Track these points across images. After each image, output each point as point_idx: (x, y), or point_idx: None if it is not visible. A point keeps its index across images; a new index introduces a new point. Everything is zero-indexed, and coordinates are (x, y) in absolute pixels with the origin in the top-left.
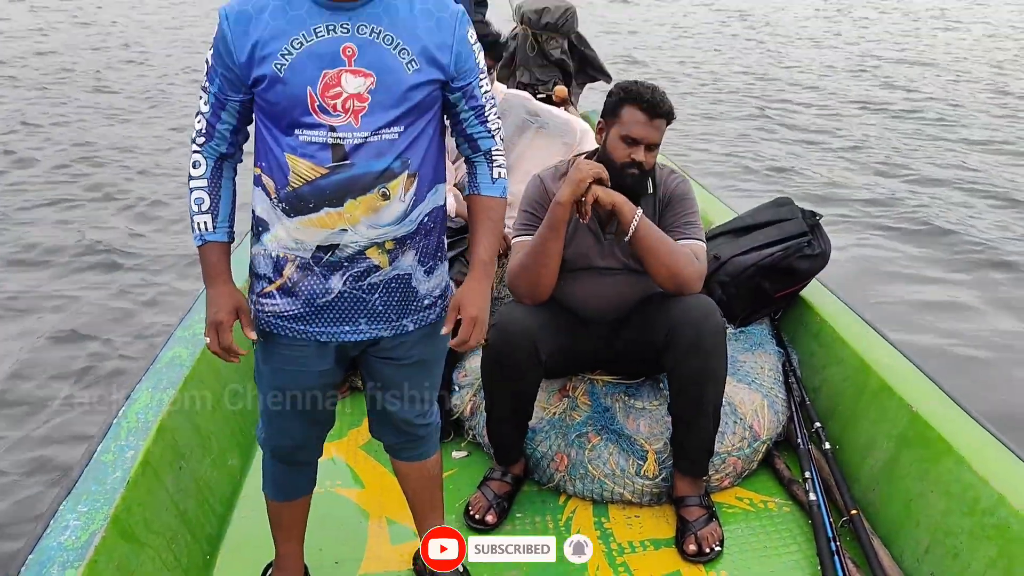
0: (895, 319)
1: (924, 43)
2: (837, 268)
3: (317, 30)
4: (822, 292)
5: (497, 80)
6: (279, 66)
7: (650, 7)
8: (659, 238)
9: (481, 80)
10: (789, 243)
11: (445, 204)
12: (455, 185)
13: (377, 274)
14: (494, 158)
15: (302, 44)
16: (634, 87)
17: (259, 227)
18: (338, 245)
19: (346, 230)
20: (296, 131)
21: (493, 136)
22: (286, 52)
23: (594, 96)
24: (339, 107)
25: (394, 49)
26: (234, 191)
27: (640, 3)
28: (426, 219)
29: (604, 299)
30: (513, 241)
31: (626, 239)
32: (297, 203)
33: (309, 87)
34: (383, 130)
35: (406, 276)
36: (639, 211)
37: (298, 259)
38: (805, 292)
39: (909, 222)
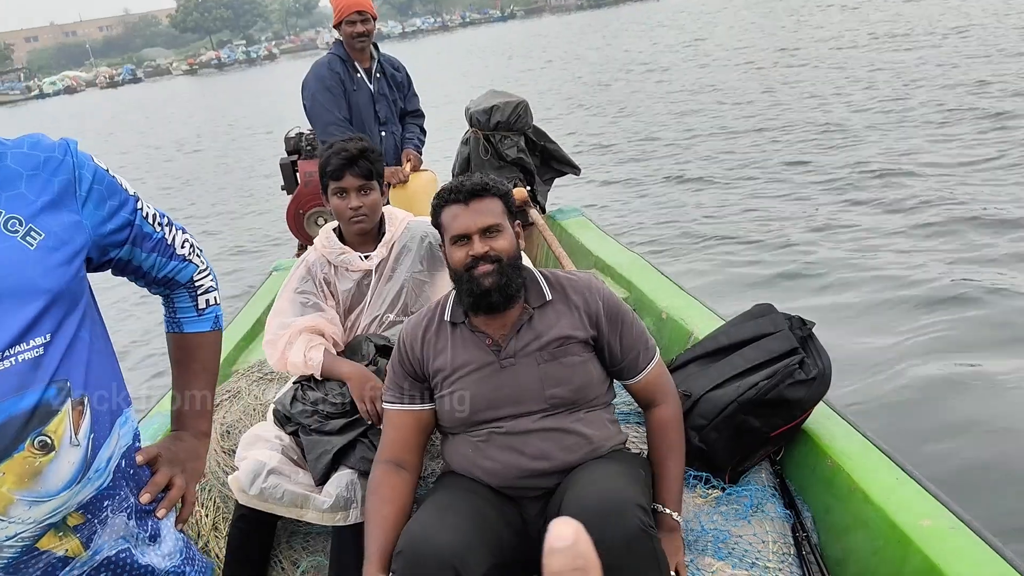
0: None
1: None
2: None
3: None
4: (830, 420)
5: None
6: None
7: None
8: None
9: (142, 209)
10: (776, 366)
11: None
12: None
13: (70, 569)
14: (197, 284)
15: None
16: (441, 190)
17: None
18: None
19: None
20: None
21: (190, 260)
22: None
23: (566, 191)
24: None
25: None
26: None
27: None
28: (123, 462)
29: (523, 458)
30: (385, 409)
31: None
32: None
33: None
34: (18, 345)
35: (123, 555)
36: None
37: None
38: (809, 421)
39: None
